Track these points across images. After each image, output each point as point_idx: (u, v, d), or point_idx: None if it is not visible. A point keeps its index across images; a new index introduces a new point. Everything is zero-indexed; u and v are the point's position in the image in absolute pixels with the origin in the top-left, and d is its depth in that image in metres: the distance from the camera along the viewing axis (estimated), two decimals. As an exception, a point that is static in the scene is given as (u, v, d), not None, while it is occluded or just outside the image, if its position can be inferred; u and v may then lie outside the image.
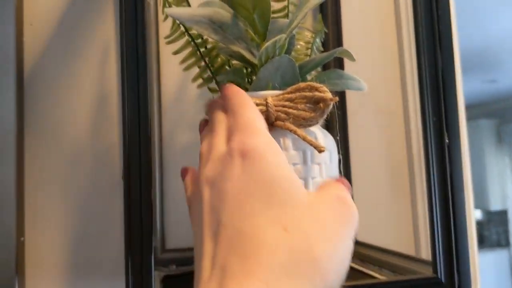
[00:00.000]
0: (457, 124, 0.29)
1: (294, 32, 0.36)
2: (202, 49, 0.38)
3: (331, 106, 0.32)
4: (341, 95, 0.52)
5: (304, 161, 0.32)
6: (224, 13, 0.35)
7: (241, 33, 0.35)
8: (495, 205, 5.92)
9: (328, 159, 0.34)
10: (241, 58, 0.35)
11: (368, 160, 0.55)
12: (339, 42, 0.50)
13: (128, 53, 0.35)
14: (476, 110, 6.29)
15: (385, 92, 0.55)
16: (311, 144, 0.30)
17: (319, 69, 0.42)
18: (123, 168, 0.33)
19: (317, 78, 0.35)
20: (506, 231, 5.86)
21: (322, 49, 0.45)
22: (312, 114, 0.32)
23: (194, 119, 0.50)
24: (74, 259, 0.44)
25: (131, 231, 0.33)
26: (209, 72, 0.39)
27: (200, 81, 0.40)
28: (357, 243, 0.50)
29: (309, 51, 0.41)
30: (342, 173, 0.48)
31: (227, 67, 0.38)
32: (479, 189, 5.98)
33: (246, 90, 0.34)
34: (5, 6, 0.44)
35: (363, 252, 0.48)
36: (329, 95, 0.31)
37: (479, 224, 6.52)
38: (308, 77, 0.37)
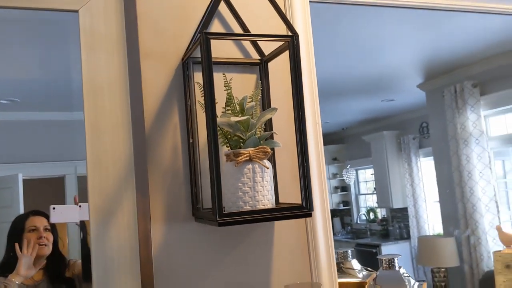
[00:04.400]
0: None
1: (257, 126, 1.02)
2: (225, 133, 1.02)
3: (270, 153, 0.98)
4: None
5: (262, 171, 0.98)
6: (233, 121, 1.00)
7: (239, 128, 1.00)
8: (397, 204, 6.96)
9: (271, 171, 1.00)
10: (239, 137, 1.00)
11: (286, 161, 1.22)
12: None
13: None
14: (380, 123, 7.36)
15: (288, 140, 1.20)
16: (264, 166, 0.96)
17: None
18: None
19: (266, 143, 1.01)
20: (407, 226, 6.91)
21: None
22: (264, 156, 0.98)
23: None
24: None
25: None
26: (227, 143, 1.03)
27: (225, 146, 1.04)
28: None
29: (262, 130, 1.07)
30: (274, 178, 1.14)
31: (234, 141, 1.03)
32: (385, 190, 7.01)
33: (241, 148, 0.99)
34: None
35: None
36: (269, 150, 0.98)
37: (385, 221, 7.59)
38: (262, 142, 1.03)
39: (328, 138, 9.38)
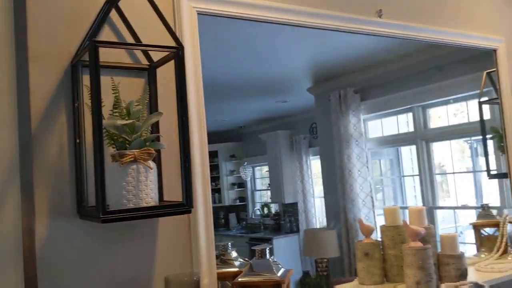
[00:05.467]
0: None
1: (143, 129, 1.10)
2: (111, 135, 1.09)
3: (155, 154, 1.07)
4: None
5: (146, 171, 1.06)
6: (119, 124, 1.07)
7: (125, 130, 1.07)
8: (288, 199, 7.38)
9: (155, 171, 1.09)
10: (125, 139, 1.07)
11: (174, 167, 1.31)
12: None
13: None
14: (275, 122, 7.73)
15: (174, 141, 1.29)
16: (148, 166, 1.05)
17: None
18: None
19: (151, 145, 1.09)
20: (297, 220, 7.36)
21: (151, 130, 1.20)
22: (149, 157, 1.07)
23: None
24: None
25: None
26: (113, 144, 1.09)
27: (111, 147, 1.10)
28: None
29: (148, 132, 1.15)
30: (159, 178, 1.22)
31: (120, 142, 1.10)
32: (278, 186, 7.38)
33: (126, 149, 1.07)
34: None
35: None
36: (154, 151, 1.07)
37: (277, 215, 7.99)
38: (147, 144, 1.11)
39: (226, 136, 9.56)
